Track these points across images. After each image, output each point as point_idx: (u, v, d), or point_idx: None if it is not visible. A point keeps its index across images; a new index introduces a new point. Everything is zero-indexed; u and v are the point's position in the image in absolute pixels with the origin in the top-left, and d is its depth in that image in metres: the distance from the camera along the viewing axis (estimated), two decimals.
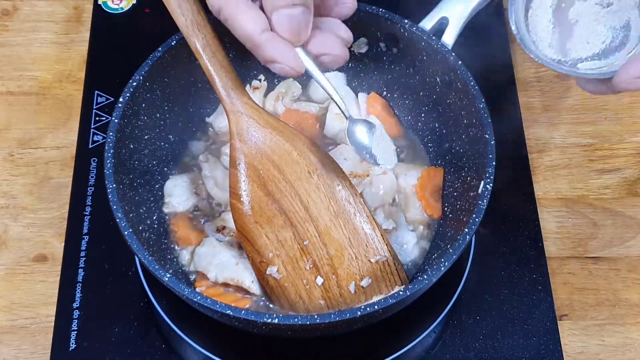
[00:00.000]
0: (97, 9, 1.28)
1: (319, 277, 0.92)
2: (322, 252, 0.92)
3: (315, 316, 0.81)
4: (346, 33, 0.87)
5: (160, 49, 0.97)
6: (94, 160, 1.12)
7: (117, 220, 0.86)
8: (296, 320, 0.80)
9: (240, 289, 0.95)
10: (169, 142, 1.04)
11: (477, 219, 0.87)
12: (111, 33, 1.26)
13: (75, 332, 0.99)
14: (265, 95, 1.11)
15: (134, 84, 0.95)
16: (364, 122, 0.93)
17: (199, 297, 0.81)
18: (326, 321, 0.80)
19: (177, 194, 1.02)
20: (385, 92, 1.11)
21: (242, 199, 0.92)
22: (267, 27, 0.80)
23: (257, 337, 0.92)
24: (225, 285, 0.95)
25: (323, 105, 1.11)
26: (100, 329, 0.99)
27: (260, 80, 1.11)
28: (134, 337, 0.99)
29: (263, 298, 0.95)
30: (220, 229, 0.99)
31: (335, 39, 0.85)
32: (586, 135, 1.18)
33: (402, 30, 1.01)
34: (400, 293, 0.82)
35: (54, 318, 1.00)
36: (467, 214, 0.91)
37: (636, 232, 1.10)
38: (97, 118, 1.16)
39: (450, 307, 1.01)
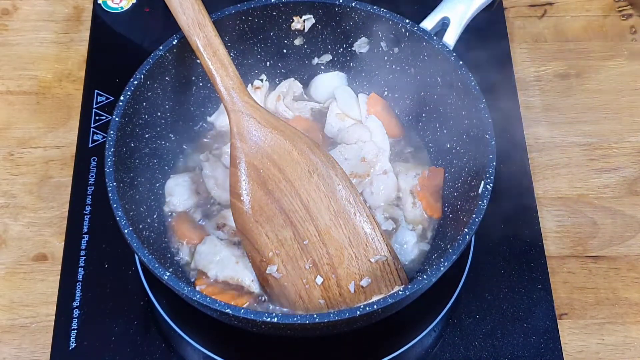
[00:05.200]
0: (97, 9, 1.28)
1: (318, 276, 0.92)
2: (322, 251, 0.92)
3: (315, 315, 0.81)
4: None
5: (161, 47, 0.97)
6: (94, 160, 1.12)
7: (117, 218, 0.86)
8: (295, 319, 0.80)
9: (240, 287, 0.95)
10: (170, 141, 1.04)
11: (477, 219, 0.87)
12: (111, 32, 1.26)
13: (75, 331, 0.99)
14: (267, 94, 1.11)
15: (135, 82, 0.95)
16: None
17: (198, 296, 0.81)
18: (325, 320, 0.80)
19: (178, 193, 1.02)
20: (386, 92, 1.11)
21: (242, 198, 0.92)
22: None
23: (257, 337, 0.91)
24: (226, 284, 0.95)
25: (324, 104, 1.11)
26: (100, 328, 0.99)
27: (261, 80, 1.11)
28: (134, 337, 0.99)
29: (263, 297, 0.95)
30: (221, 226, 0.99)
31: None
32: (586, 135, 1.19)
33: (403, 30, 1.01)
34: (400, 293, 0.82)
35: (54, 317, 1.00)
36: (467, 214, 0.91)
37: (636, 231, 1.10)
38: (97, 117, 1.16)
39: (450, 306, 1.01)
